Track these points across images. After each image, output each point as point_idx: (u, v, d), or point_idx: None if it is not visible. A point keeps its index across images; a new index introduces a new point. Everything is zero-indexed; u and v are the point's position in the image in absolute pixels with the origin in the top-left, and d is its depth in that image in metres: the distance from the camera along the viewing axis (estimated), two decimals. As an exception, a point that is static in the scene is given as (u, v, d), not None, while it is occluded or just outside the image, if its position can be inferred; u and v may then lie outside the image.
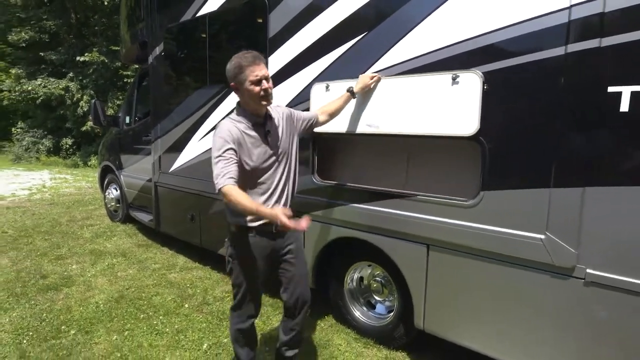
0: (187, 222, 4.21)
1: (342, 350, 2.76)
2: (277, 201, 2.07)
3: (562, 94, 1.80)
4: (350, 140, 2.78)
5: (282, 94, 3.09)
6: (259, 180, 2.02)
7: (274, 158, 2.05)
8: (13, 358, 2.60)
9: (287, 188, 2.13)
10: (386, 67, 2.48)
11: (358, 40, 2.63)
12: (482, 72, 2.02)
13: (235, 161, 1.88)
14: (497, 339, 2.17)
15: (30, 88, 12.96)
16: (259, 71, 1.94)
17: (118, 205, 5.90)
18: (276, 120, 2.13)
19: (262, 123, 2.03)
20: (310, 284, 3.10)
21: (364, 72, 2.58)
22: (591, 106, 1.73)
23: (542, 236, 1.88)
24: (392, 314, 2.86)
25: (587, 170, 1.75)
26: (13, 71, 13.67)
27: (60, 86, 12.92)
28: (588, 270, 1.79)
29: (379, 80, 2.48)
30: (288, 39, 3.04)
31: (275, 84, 3.14)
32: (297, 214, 3.06)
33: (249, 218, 2.02)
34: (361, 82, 2.50)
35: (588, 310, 1.82)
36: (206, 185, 3.86)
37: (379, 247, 2.65)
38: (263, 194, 2.03)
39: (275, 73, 3.12)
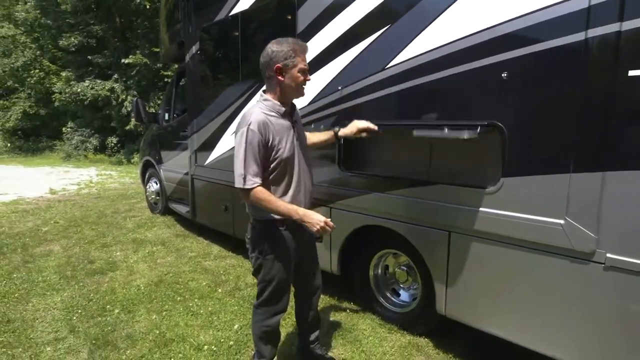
0: (221, 212, 4.42)
1: (367, 335, 2.84)
2: (303, 192, 2.07)
3: (581, 79, 1.80)
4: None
5: (309, 88, 3.18)
6: (286, 171, 1.99)
7: (299, 149, 2.06)
8: (64, 332, 2.87)
9: (308, 178, 2.15)
10: (410, 57, 2.52)
11: (383, 33, 2.69)
12: (502, 60, 2.04)
13: (263, 156, 1.89)
14: (518, 324, 2.18)
15: (79, 90, 13.81)
16: (306, 61, 1.99)
17: (158, 197, 6.24)
18: (297, 113, 2.19)
19: (289, 113, 2.04)
20: (336, 270, 3.23)
21: (388, 64, 2.65)
22: (611, 91, 1.72)
23: (562, 221, 1.88)
24: (415, 300, 2.91)
25: (607, 155, 1.74)
26: (63, 74, 14.61)
27: (106, 87, 13.68)
28: (608, 255, 1.77)
29: (367, 131, 2.35)
30: (316, 33, 3.15)
31: (302, 78, 3.28)
32: (320, 202, 3.18)
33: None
34: (348, 129, 2.36)
35: (608, 294, 1.81)
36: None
37: (402, 234, 2.71)
38: (290, 184, 2.01)
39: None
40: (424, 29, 2.45)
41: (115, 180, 10.60)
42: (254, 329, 2.25)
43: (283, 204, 1.93)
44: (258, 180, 1.88)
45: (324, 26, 3.08)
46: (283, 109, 2.00)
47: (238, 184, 1.89)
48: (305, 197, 2.09)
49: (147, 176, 6.49)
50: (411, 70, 2.53)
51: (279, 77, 1.95)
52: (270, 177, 1.97)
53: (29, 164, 14.32)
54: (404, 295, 3.09)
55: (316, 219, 1.88)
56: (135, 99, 6.10)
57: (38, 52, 15.73)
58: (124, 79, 13.96)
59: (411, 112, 2.60)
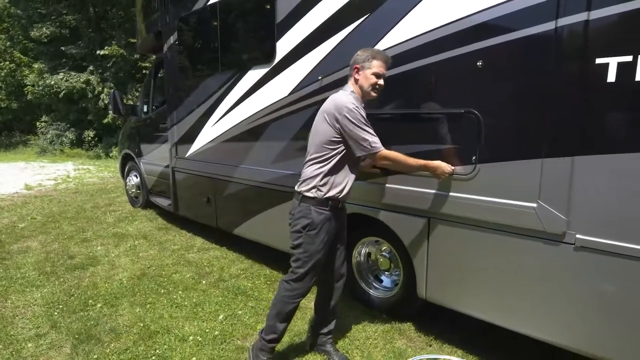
0: (203, 204, 4.40)
1: (350, 321, 2.90)
2: (352, 176, 2.27)
3: (552, 67, 1.86)
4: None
5: (291, 78, 3.20)
6: (359, 159, 2.24)
7: None
8: (46, 328, 2.83)
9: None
10: (388, 46, 2.55)
11: (360, 23, 2.71)
12: (476, 49, 2.10)
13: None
14: (495, 305, 2.27)
15: (52, 82, 13.38)
16: (383, 69, 2.18)
17: (138, 191, 6.15)
18: None
19: (364, 108, 2.22)
20: (320, 260, 3.26)
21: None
22: (579, 78, 1.79)
23: (535, 205, 1.96)
24: (397, 286, 2.98)
25: (576, 140, 1.82)
26: (36, 66, 14.11)
27: (82, 80, 13.29)
28: (578, 236, 1.86)
29: None
30: (295, 23, 3.14)
31: (283, 68, 3.29)
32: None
33: (331, 192, 2.18)
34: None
35: (579, 274, 1.90)
36: (220, 168, 4.03)
37: (383, 221, 2.76)
38: (350, 164, 2.22)
39: (284, 57, 3.23)
40: (402, 18, 2.47)
41: (94, 174, 10.38)
42: (275, 303, 2.31)
43: (412, 158, 2.23)
44: (379, 142, 2.14)
45: (302, 16, 3.07)
46: (362, 102, 2.22)
47: (365, 151, 2.13)
48: (352, 182, 2.29)
49: (126, 170, 6.38)
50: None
51: (357, 76, 2.21)
52: (335, 154, 2.17)
53: (1, 159, 13.86)
54: (386, 281, 3.16)
55: (445, 167, 2.24)
56: (112, 91, 5.97)
57: (8, 43, 15.13)
58: (100, 70, 13.61)
59: (389, 101, 2.64)
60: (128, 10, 13.75)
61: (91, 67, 13.61)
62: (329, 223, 2.22)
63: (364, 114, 2.13)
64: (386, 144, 2.67)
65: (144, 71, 13.41)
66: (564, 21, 1.78)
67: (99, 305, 3.14)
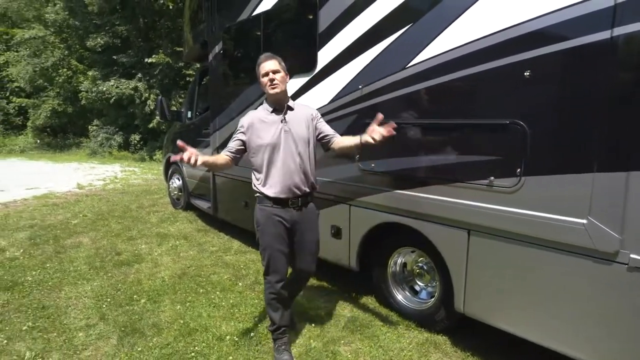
0: (241, 209, 4.52)
1: (384, 331, 2.88)
2: (287, 173, 2.39)
3: (606, 78, 1.79)
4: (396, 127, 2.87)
5: (331, 87, 3.25)
6: (271, 154, 2.39)
7: (286, 141, 2.40)
8: (95, 319, 3.01)
9: (302, 168, 2.44)
10: (432, 56, 2.54)
11: (404, 32, 2.72)
12: (524, 59, 2.05)
13: (239, 141, 2.45)
14: (537, 323, 2.18)
15: (104, 89, 14.22)
16: (268, 67, 2.39)
17: (180, 193, 6.41)
18: (298, 112, 2.50)
19: (280, 111, 2.45)
20: (354, 266, 3.27)
21: (409, 63, 2.67)
22: (636, 89, 1.71)
23: (584, 221, 1.88)
24: (434, 298, 2.93)
25: (631, 154, 1.73)
26: (90, 73, 15.07)
27: (130, 86, 14.05)
28: (632, 256, 1.77)
29: (385, 137, 2.18)
30: (337, 33, 3.19)
31: (323, 77, 3.35)
32: (340, 199, 3.23)
33: (265, 191, 2.41)
34: (369, 136, 2.23)
35: (631, 295, 1.80)
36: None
37: (421, 232, 2.74)
38: (270, 165, 2.40)
39: (326, 66, 3.29)
40: (446, 28, 2.46)
41: (139, 176, 10.89)
42: (264, 297, 2.58)
43: (210, 157, 2.42)
44: (225, 152, 2.46)
45: (345, 25, 3.12)
46: (273, 106, 2.47)
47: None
48: (291, 180, 2.41)
49: (170, 172, 6.66)
50: (433, 69, 2.55)
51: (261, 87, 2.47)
52: (259, 158, 2.42)
53: (56, 159, 14.85)
54: (422, 293, 3.12)
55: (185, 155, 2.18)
56: (159, 97, 6.28)
57: (66, 52, 16.25)
58: (147, 77, 14.31)
59: (432, 111, 2.63)
60: (175, 20, 14.43)
61: (139, 75, 14.35)
62: (276, 216, 2.41)
63: (243, 121, 2.46)
64: (425, 154, 2.68)
65: (187, 78, 14.01)
66: (620, 30, 1.72)
67: (142, 300, 3.30)
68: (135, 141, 15.43)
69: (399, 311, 3.12)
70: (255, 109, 2.58)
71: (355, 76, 3.07)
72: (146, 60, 13.70)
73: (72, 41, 16.24)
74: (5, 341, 2.67)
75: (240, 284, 3.69)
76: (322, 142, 2.58)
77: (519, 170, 2.13)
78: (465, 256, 2.46)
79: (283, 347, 2.52)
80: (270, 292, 2.50)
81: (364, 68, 3.00)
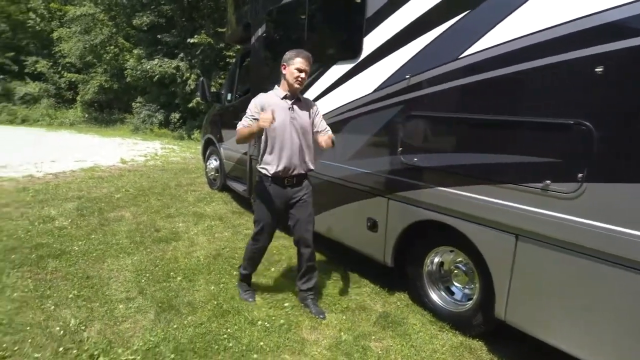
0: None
1: (417, 330, 2.81)
2: (290, 157, 2.74)
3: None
4: (443, 121, 2.74)
5: (376, 75, 3.14)
6: (277, 136, 2.71)
7: (292, 126, 2.72)
8: (134, 292, 3.12)
9: (301, 153, 2.79)
10: (490, 46, 2.38)
11: (460, 19, 2.56)
12: (597, 53, 1.87)
13: (252, 118, 2.68)
14: (587, 340, 2.05)
15: (148, 67, 14.60)
16: (303, 64, 2.70)
17: (217, 174, 6.52)
18: (303, 104, 2.84)
19: (290, 99, 2.77)
20: (389, 262, 3.21)
21: (463, 54, 2.52)
22: None
23: (654, 236, 1.72)
24: (471, 301, 2.83)
25: None
26: (135, 52, 15.51)
27: (173, 66, 14.35)
28: None
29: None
30: (386, 18, 3.06)
31: (368, 65, 3.23)
32: (378, 192, 3.15)
33: (268, 168, 2.76)
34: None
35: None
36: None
37: (464, 232, 2.62)
38: (282, 146, 2.72)
39: (371, 53, 3.18)
40: (507, 16, 2.29)
41: (177, 154, 11.20)
42: (245, 252, 3.12)
43: (246, 128, 2.67)
44: (242, 125, 2.70)
45: (395, 11, 2.99)
46: (285, 93, 2.77)
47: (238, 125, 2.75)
48: (291, 161, 2.75)
49: (207, 153, 6.78)
50: (490, 60, 2.39)
51: (284, 72, 2.74)
52: (265, 137, 2.74)
53: (102, 134, 15.53)
54: (458, 294, 3.01)
55: (264, 118, 2.49)
56: (201, 78, 6.36)
57: (114, 30, 16.76)
58: (189, 57, 14.54)
59: (485, 106, 2.47)
60: (217, 1, 14.50)
61: (181, 54, 14.61)
62: (273, 194, 2.79)
63: (257, 103, 2.72)
64: (475, 151, 2.54)
65: (227, 60, 14.12)
66: None
67: (179, 278, 3.39)
68: (175, 119, 15.83)
69: (433, 311, 3.04)
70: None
71: (403, 65, 2.94)
72: (189, 40, 13.91)
73: (120, 19, 16.72)
74: (53, 307, 2.82)
75: (272, 269, 3.72)
76: (317, 135, 2.87)
77: (580, 175, 1.97)
78: (511, 262, 2.34)
79: (247, 287, 3.18)
80: (253, 251, 3.04)
81: (412, 57, 2.87)
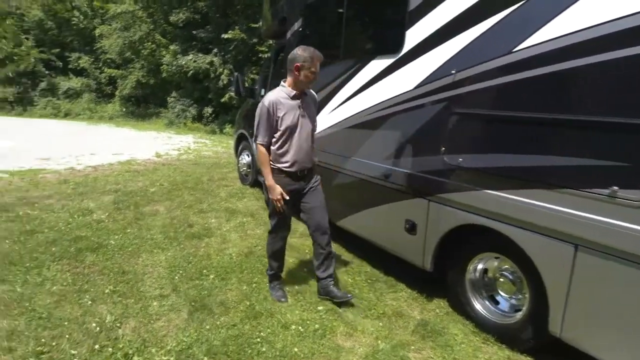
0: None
1: (459, 341, 2.65)
2: (302, 153, 2.84)
3: None
4: (494, 120, 2.54)
5: (418, 70, 2.97)
6: (289, 136, 2.78)
7: (301, 125, 2.81)
8: (168, 290, 3.11)
9: (311, 147, 2.93)
10: (546, 40, 2.18)
11: (512, 11, 2.36)
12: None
13: (271, 124, 2.75)
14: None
15: (183, 63, 14.87)
16: (318, 68, 2.77)
17: (249, 170, 6.50)
18: (309, 98, 2.92)
19: (298, 97, 2.81)
20: (429, 267, 3.05)
21: (517, 47, 2.33)
22: None
23: None
24: (520, 313, 2.63)
25: None
26: (171, 47, 15.82)
27: (207, 61, 14.53)
28: None
29: None
30: (429, 11, 2.89)
31: (410, 60, 3.07)
32: (417, 193, 2.99)
33: (280, 166, 2.82)
34: None
35: None
36: (330, 157, 4.00)
37: (514, 240, 2.43)
38: (291, 145, 2.80)
39: (414, 47, 3.01)
40: (570, 6, 2.08)
41: (209, 148, 11.34)
42: (267, 249, 3.14)
43: (268, 168, 2.82)
44: (262, 141, 2.79)
45: (440, 2, 2.80)
46: (293, 92, 2.79)
47: (254, 139, 2.88)
48: (303, 157, 2.87)
49: (240, 148, 6.77)
50: (551, 53, 2.18)
51: (296, 72, 2.73)
52: (278, 137, 2.78)
53: (139, 128, 15.99)
54: (504, 304, 2.82)
55: (274, 194, 2.80)
56: (235, 74, 6.32)
57: (152, 26, 17.16)
58: (222, 53, 14.68)
59: (544, 103, 2.27)
60: (251, -3, 14.54)
61: (215, 50, 14.77)
62: (285, 186, 2.83)
63: (271, 107, 2.72)
64: (529, 152, 2.34)
65: (259, 55, 14.14)
66: None
67: (211, 276, 3.36)
68: (208, 114, 16.06)
69: (476, 321, 2.86)
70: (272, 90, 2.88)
71: (448, 60, 2.76)
72: (223, 35, 14.03)
73: (158, 16, 17.09)
74: (90, 302, 2.85)
75: (305, 269, 3.63)
76: None
77: (656, 182, 1.75)
78: (569, 274, 2.13)
79: (278, 286, 3.14)
80: (272, 247, 3.06)
81: (459, 51, 2.68)
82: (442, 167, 2.83)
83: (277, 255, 3.09)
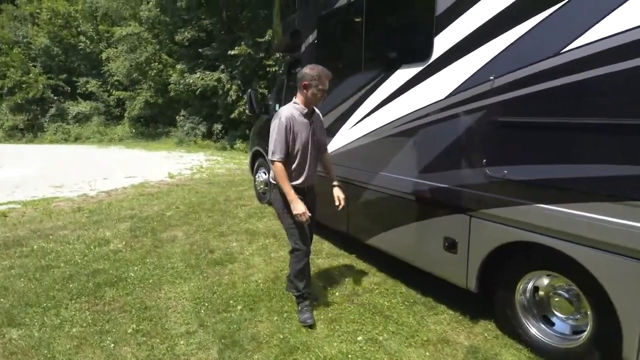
0: (332, 206, 4.22)
1: (515, 371, 2.41)
2: (312, 172, 2.92)
3: None
4: (546, 127, 2.33)
5: (450, 78, 2.78)
6: (301, 155, 2.81)
7: (312, 142, 2.85)
8: (194, 325, 2.91)
9: (315, 164, 2.96)
10: (594, 40, 1.98)
11: (554, 12, 2.18)
12: None
13: (288, 140, 2.73)
14: None
15: (191, 81, 14.91)
16: (327, 85, 2.79)
17: (266, 188, 6.32)
18: (317, 116, 2.95)
19: (309, 114, 2.84)
20: (473, 287, 2.82)
21: (566, 47, 2.13)
22: None
23: None
24: (583, 335, 2.38)
25: None
26: (178, 67, 15.90)
27: (214, 78, 14.55)
28: None
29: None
30: (459, 15, 2.70)
31: (441, 67, 2.88)
32: (457, 209, 2.78)
33: (293, 179, 2.81)
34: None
35: None
36: (356, 173, 3.80)
37: (574, 257, 2.21)
38: (304, 164, 2.85)
39: (444, 53, 2.82)
40: (619, 6, 1.89)
41: (222, 165, 11.24)
42: (290, 270, 3.07)
43: (287, 183, 2.74)
44: (280, 157, 2.72)
45: (472, 5, 2.62)
46: (305, 110, 2.81)
47: (269, 155, 2.80)
48: (311, 174, 2.93)
49: (256, 166, 6.61)
50: (605, 53, 1.98)
51: (305, 90, 2.77)
52: (292, 157, 2.79)
53: (149, 148, 16.01)
54: (561, 326, 2.58)
55: (297, 209, 2.74)
56: (249, 90, 6.19)
57: (158, 47, 17.31)
58: (230, 69, 14.69)
59: (607, 107, 2.05)
60: (256, 12, 14.56)
61: (222, 66, 14.79)
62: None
63: (288, 125, 2.72)
64: (588, 161, 2.12)
65: (267, 69, 14.13)
66: None
67: (239, 307, 3.16)
68: (218, 130, 16.05)
69: (530, 345, 2.62)
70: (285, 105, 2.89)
71: (485, 65, 2.56)
72: (229, 52, 14.05)
73: (163, 36, 17.25)
74: (112, 345, 2.66)
75: (337, 293, 3.42)
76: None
77: None
78: (648, 297, 1.90)
79: (306, 308, 2.98)
80: (297, 266, 2.93)
81: (497, 55, 2.49)
82: (484, 180, 2.62)
83: (302, 274, 2.97)
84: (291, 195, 2.73)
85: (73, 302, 3.23)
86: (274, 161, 2.74)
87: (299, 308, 3.00)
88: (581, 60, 2.08)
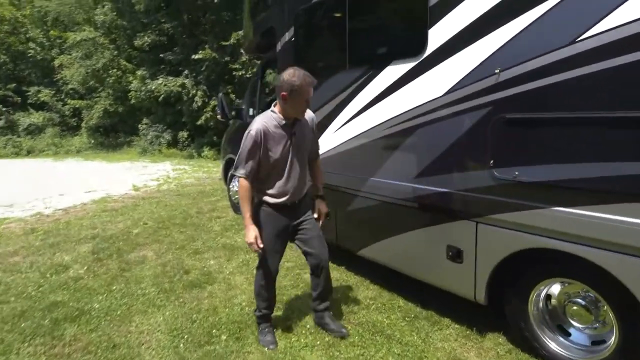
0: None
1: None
2: (291, 185, 2.55)
3: None
4: (561, 123, 2.14)
5: (448, 73, 2.56)
6: (276, 168, 2.51)
7: (293, 155, 2.52)
8: (173, 362, 2.53)
9: (304, 177, 2.64)
10: (610, 27, 1.81)
11: (555, 5, 2.00)
12: None
13: (257, 155, 2.42)
14: None
15: (153, 87, 14.18)
16: (311, 94, 2.44)
17: (241, 198, 5.93)
18: (304, 122, 2.59)
19: (290, 125, 2.50)
20: (482, 299, 2.60)
21: (581, 36, 1.95)
22: None
23: None
24: (608, 346, 2.21)
25: None
26: (139, 73, 15.11)
27: (178, 84, 13.90)
28: None
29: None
30: (457, 4, 2.49)
31: (437, 62, 2.66)
32: (461, 215, 2.56)
33: (269, 200, 2.55)
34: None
35: None
36: (344, 179, 3.53)
37: (600, 264, 2.03)
38: (278, 178, 2.53)
39: (440, 47, 2.60)
40: None
41: (190, 175, 10.69)
42: (254, 287, 2.80)
43: (247, 204, 2.48)
44: (243, 174, 2.45)
45: (468, -7, 2.41)
46: (284, 121, 2.47)
47: (234, 170, 2.57)
48: (295, 188, 2.58)
49: (229, 175, 6.21)
50: (624, 41, 1.80)
51: (286, 100, 2.41)
52: (264, 170, 2.50)
53: (110, 159, 15.09)
54: (578, 336, 2.40)
55: (247, 237, 2.50)
56: (219, 95, 5.81)
57: (115, 52, 16.41)
58: (194, 74, 14.12)
59: (623, 100, 1.88)
60: (219, 14, 14.08)
61: (186, 72, 14.18)
62: (273, 218, 2.58)
63: (259, 137, 2.40)
64: (612, 159, 1.94)
65: (233, 73, 13.67)
66: None
67: (223, 337, 2.79)
68: (184, 138, 15.39)
69: (546, 359, 2.42)
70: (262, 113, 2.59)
71: (488, 57, 2.36)
72: (193, 56, 13.49)
73: (121, 41, 16.39)
74: (76, 399, 2.23)
75: (331, 312, 3.10)
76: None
77: None
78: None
79: (267, 329, 2.75)
80: (261, 285, 2.70)
81: (503, 45, 2.29)
82: (492, 183, 2.41)
83: (264, 293, 2.72)
84: (246, 220, 2.48)
85: (26, 345, 2.74)
86: (239, 177, 2.47)
87: (260, 329, 2.76)
88: (599, 49, 1.90)
